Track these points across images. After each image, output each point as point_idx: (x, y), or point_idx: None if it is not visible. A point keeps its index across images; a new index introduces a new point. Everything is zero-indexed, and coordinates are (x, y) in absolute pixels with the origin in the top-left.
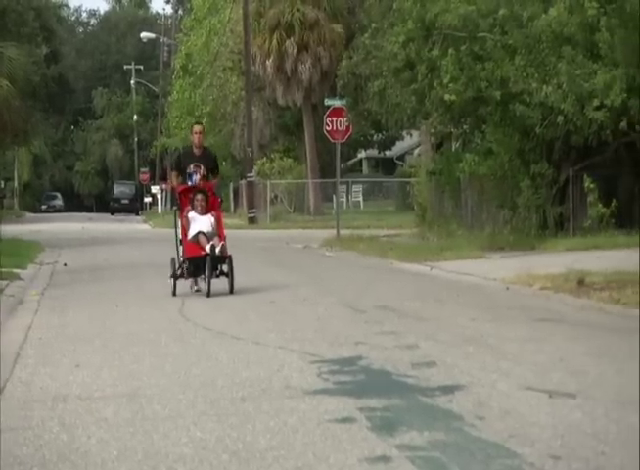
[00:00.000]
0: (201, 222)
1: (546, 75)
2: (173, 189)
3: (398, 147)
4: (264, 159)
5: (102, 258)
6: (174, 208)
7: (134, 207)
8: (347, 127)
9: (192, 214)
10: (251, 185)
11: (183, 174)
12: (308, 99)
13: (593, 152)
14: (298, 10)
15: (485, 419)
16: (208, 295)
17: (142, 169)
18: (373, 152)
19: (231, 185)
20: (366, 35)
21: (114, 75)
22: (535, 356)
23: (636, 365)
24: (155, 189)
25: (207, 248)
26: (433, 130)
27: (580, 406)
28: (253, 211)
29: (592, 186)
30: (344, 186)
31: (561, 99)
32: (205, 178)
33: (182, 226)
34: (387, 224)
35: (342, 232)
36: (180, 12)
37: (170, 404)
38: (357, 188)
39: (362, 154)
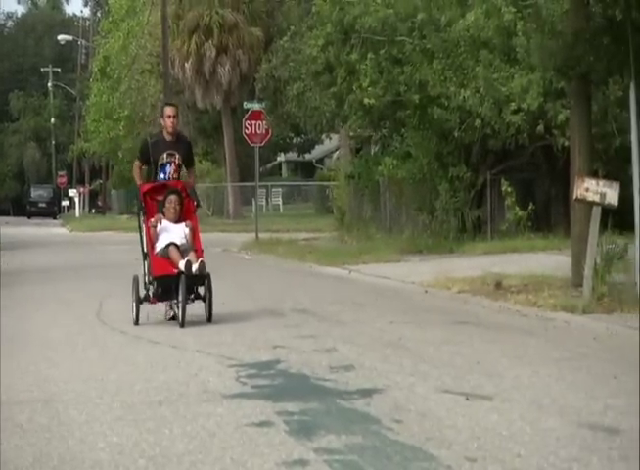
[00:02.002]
0: (173, 232)
1: (464, 79)
2: (134, 179)
3: (318, 150)
4: None
5: (18, 261)
6: (139, 211)
7: (52, 210)
8: (266, 131)
9: (162, 222)
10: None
11: (152, 167)
12: (227, 102)
13: (510, 155)
14: (217, 13)
15: (403, 422)
16: (182, 325)
17: (60, 173)
18: (292, 155)
19: None
20: (285, 38)
21: (30, 78)
22: (453, 359)
23: (551, 368)
24: (72, 192)
25: (181, 265)
26: (352, 134)
27: (497, 409)
28: None
29: (509, 189)
30: (264, 189)
31: (478, 103)
32: (178, 169)
33: (148, 237)
34: (306, 228)
35: (262, 235)
36: (98, 14)
37: (87, 409)
38: (277, 191)
39: (281, 157)
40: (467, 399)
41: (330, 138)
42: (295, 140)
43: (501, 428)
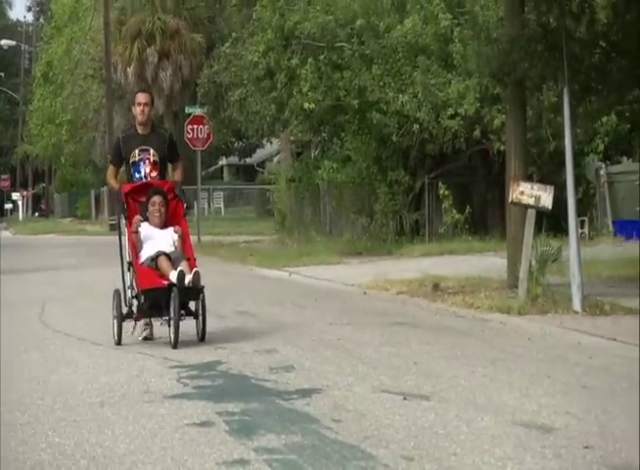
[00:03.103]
0: (159, 239)
1: (402, 85)
2: (112, 188)
3: (259, 154)
4: None
5: None
6: (118, 216)
7: None
8: (208, 135)
9: (145, 227)
10: (112, 192)
11: (126, 167)
12: (169, 107)
13: (448, 159)
14: (159, 19)
15: (341, 422)
16: (175, 345)
17: (3, 176)
18: (234, 159)
19: (92, 192)
20: (226, 44)
21: None
22: (391, 360)
23: (487, 368)
24: (15, 196)
25: (172, 276)
26: (292, 138)
27: (433, 408)
28: (114, 217)
29: (447, 193)
30: (206, 193)
31: (416, 108)
32: (155, 167)
33: (131, 243)
34: (247, 231)
35: (204, 238)
36: (41, 20)
37: (29, 411)
38: (218, 195)
39: (223, 161)
40: (404, 398)
41: (271, 142)
42: (236, 144)
43: (438, 427)
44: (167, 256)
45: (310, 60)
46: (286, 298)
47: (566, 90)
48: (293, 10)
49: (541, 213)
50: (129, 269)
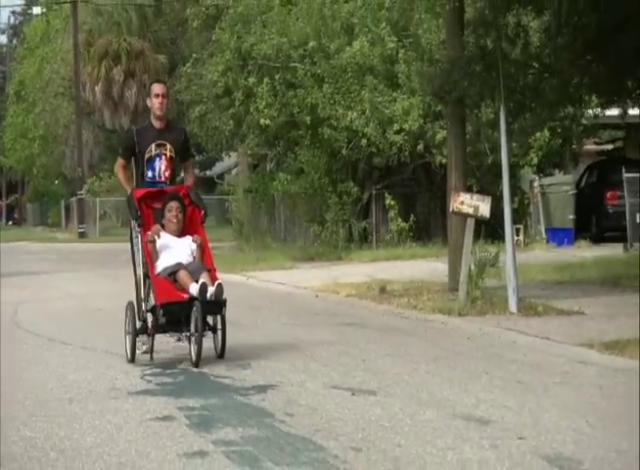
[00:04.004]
0: (177, 248)
1: (351, 102)
2: (122, 182)
3: (218, 167)
4: (94, 178)
5: None
6: (134, 222)
7: None
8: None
9: (162, 236)
10: (81, 202)
11: (140, 162)
12: (135, 122)
13: (393, 172)
14: (125, 40)
15: (294, 416)
16: (197, 364)
17: None
18: (195, 172)
19: (62, 202)
20: (187, 65)
21: None
22: (340, 358)
23: (430, 365)
24: None
25: (193, 289)
26: (249, 152)
27: (380, 403)
28: (84, 226)
29: (392, 203)
30: None
31: (364, 124)
32: (171, 163)
33: (146, 253)
34: (208, 238)
35: None
36: (14, 42)
37: (2, 407)
38: None
39: None
40: (353, 394)
41: (229, 156)
42: (197, 158)
43: (384, 420)
44: (186, 268)
45: (266, 79)
46: (243, 300)
47: (502, 108)
48: (249, 32)
49: (480, 222)
50: (144, 281)
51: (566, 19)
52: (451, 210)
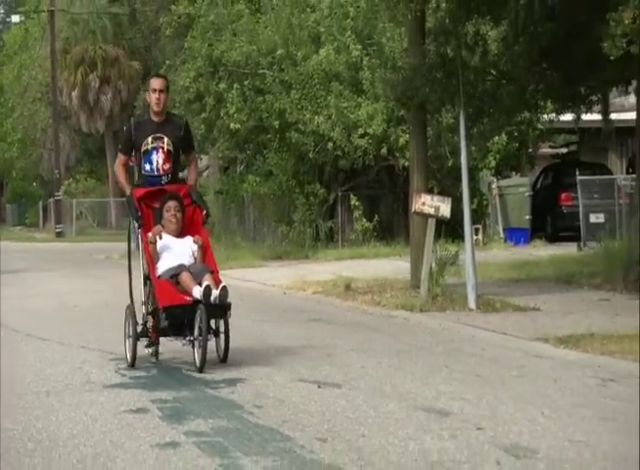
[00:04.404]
0: (177, 249)
1: (318, 107)
2: (120, 183)
3: None
4: (70, 179)
5: None
6: (134, 222)
7: None
8: None
9: (162, 237)
10: (58, 203)
11: (137, 156)
12: (109, 127)
13: (358, 174)
14: (101, 48)
15: (262, 407)
16: (201, 369)
17: None
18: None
19: (40, 203)
20: (161, 71)
21: None
22: (307, 352)
23: (392, 359)
24: None
25: (197, 292)
26: (220, 154)
27: (345, 395)
28: (61, 225)
29: (357, 204)
30: None
31: (330, 128)
32: (169, 157)
33: (147, 254)
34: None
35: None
36: None
37: None
38: None
39: None
40: (319, 386)
41: (201, 158)
42: None
43: (348, 412)
44: (188, 269)
45: (236, 85)
46: None
47: (462, 113)
48: (220, 40)
49: (441, 222)
50: (145, 283)
51: (522, 28)
52: (413, 210)
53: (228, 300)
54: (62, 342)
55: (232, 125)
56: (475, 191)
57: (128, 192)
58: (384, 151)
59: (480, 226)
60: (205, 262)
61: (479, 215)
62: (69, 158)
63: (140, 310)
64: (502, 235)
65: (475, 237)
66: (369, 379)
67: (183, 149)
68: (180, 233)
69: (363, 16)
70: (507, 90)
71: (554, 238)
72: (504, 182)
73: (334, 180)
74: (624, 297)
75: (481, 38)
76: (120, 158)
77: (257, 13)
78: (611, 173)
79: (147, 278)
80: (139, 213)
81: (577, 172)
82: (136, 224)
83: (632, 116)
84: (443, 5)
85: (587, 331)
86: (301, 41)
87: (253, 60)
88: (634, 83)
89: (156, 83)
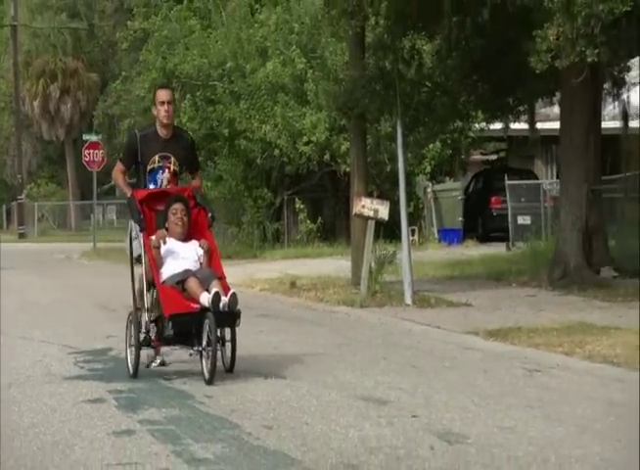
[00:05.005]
0: (183, 254)
1: (265, 117)
2: (120, 187)
3: None
4: (32, 184)
5: None
6: (138, 225)
7: None
8: (102, 158)
9: (167, 241)
10: (21, 206)
11: (141, 173)
12: (69, 134)
13: (303, 179)
14: (61, 60)
15: (212, 397)
16: (211, 381)
17: None
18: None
19: (4, 206)
20: (117, 82)
21: None
22: (255, 346)
23: (334, 352)
24: None
25: (205, 299)
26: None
27: (289, 386)
28: (23, 227)
29: (302, 207)
30: (101, 207)
31: (277, 136)
32: (175, 178)
33: (150, 259)
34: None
35: (99, 245)
36: None
37: None
38: (111, 208)
39: None
40: (265, 378)
41: None
42: None
43: (292, 401)
44: (195, 275)
45: (188, 96)
46: None
47: (399, 122)
48: (173, 54)
49: (379, 223)
50: (149, 290)
51: (455, 43)
52: (354, 213)
53: (237, 307)
54: (23, 336)
55: None
56: (411, 195)
57: (129, 194)
58: (326, 157)
59: (416, 228)
60: (212, 268)
61: (415, 217)
62: (31, 163)
63: (143, 318)
64: (436, 236)
65: (411, 238)
66: (312, 370)
67: (188, 168)
68: (186, 237)
69: (307, 31)
70: (441, 101)
71: (484, 238)
72: (438, 186)
73: (280, 185)
74: (549, 293)
75: (417, 52)
76: (119, 166)
77: (208, 28)
78: (537, 178)
79: (150, 284)
80: (142, 216)
81: (506, 177)
82: (138, 227)
83: (556, 125)
84: (382, 21)
85: (515, 325)
86: (250, 55)
87: (205, 72)
88: (558, 95)
89: (163, 95)
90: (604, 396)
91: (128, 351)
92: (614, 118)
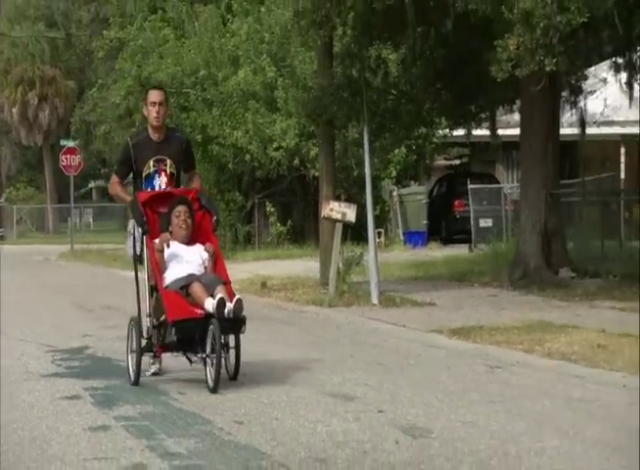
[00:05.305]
0: (187, 258)
1: (237, 123)
2: (120, 200)
3: None
4: (11, 188)
5: None
6: (133, 226)
7: None
8: (79, 163)
9: (170, 244)
10: (0, 209)
11: (137, 181)
12: (47, 140)
13: (273, 183)
14: (39, 68)
15: (185, 394)
16: (215, 389)
17: None
18: (101, 182)
19: None
20: (94, 89)
21: None
22: None
23: (304, 350)
24: None
25: (209, 304)
26: None
27: (260, 383)
28: (2, 230)
29: (272, 210)
30: (78, 210)
31: (248, 142)
32: (172, 180)
33: (154, 263)
34: (111, 240)
35: (76, 247)
36: None
37: None
38: (88, 211)
39: (92, 184)
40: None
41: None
42: (102, 170)
43: (263, 397)
44: (199, 280)
45: None
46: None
47: (366, 128)
48: (148, 62)
49: (347, 226)
50: (151, 294)
51: (419, 53)
52: (322, 216)
53: (243, 313)
54: (2, 335)
55: None
56: (377, 198)
57: (129, 199)
58: (296, 162)
59: (382, 230)
60: (217, 272)
61: (381, 220)
62: (10, 168)
63: (145, 323)
64: (402, 238)
65: (377, 240)
66: (282, 368)
67: (184, 169)
68: (189, 241)
69: (277, 41)
70: (406, 108)
71: (448, 240)
72: (404, 190)
73: (251, 188)
74: (510, 293)
75: (383, 61)
76: (114, 179)
77: (182, 37)
78: (498, 183)
79: (153, 289)
80: (145, 218)
81: (469, 182)
82: (140, 230)
83: (517, 132)
84: (349, 32)
85: (477, 323)
86: (222, 63)
87: (178, 80)
88: (518, 102)
89: (154, 96)
90: (562, 391)
91: (129, 357)
92: (571, 125)
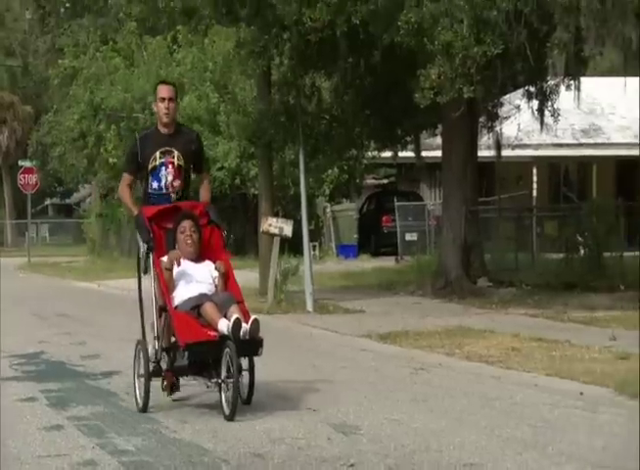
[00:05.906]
0: (195, 276)
1: None
2: (127, 207)
3: (76, 196)
4: None
5: None
6: (142, 246)
7: None
8: (36, 182)
9: (180, 262)
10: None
11: (143, 175)
12: (6, 161)
13: (216, 201)
14: None
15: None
16: (232, 417)
17: None
18: (56, 200)
19: None
20: (50, 114)
21: None
22: None
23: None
24: None
25: (223, 326)
26: (100, 184)
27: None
28: None
29: None
30: (35, 225)
31: None
32: (179, 173)
33: (162, 283)
34: (66, 253)
35: (33, 259)
36: None
37: None
38: (44, 227)
39: (48, 201)
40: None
41: (84, 187)
42: (58, 188)
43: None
44: (211, 299)
45: (113, 126)
46: (94, 303)
47: (301, 150)
48: (100, 89)
49: (284, 240)
50: (160, 315)
51: (350, 81)
52: (262, 230)
53: (259, 335)
54: None
55: (110, 160)
56: (312, 214)
57: (135, 212)
58: (237, 181)
59: (316, 243)
60: (229, 290)
61: (315, 234)
62: None
63: (152, 346)
64: (335, 251)
65: (312, 252)
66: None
67: (194, 165)
68: (198, 257)
69: (220, 69)
70: (338, 132)
71: (377, 253)
72: (336, 207)
73: None
74: (433, 301)
75: (317, 89)
76: (125, 177)
77: (131, 66)
78: (422, 200)
79: (162, 309)
80: (150, 235)
81: (395, 199)
82: (145, 247)
83: (439, 153)
84: (286, 61)
85: (403, 329)
86: None
87: (128, 105)
88: (440, 127)
89: (164, 91)
90: (480, 391)
91: (136, 382)
92: (488, 148)
